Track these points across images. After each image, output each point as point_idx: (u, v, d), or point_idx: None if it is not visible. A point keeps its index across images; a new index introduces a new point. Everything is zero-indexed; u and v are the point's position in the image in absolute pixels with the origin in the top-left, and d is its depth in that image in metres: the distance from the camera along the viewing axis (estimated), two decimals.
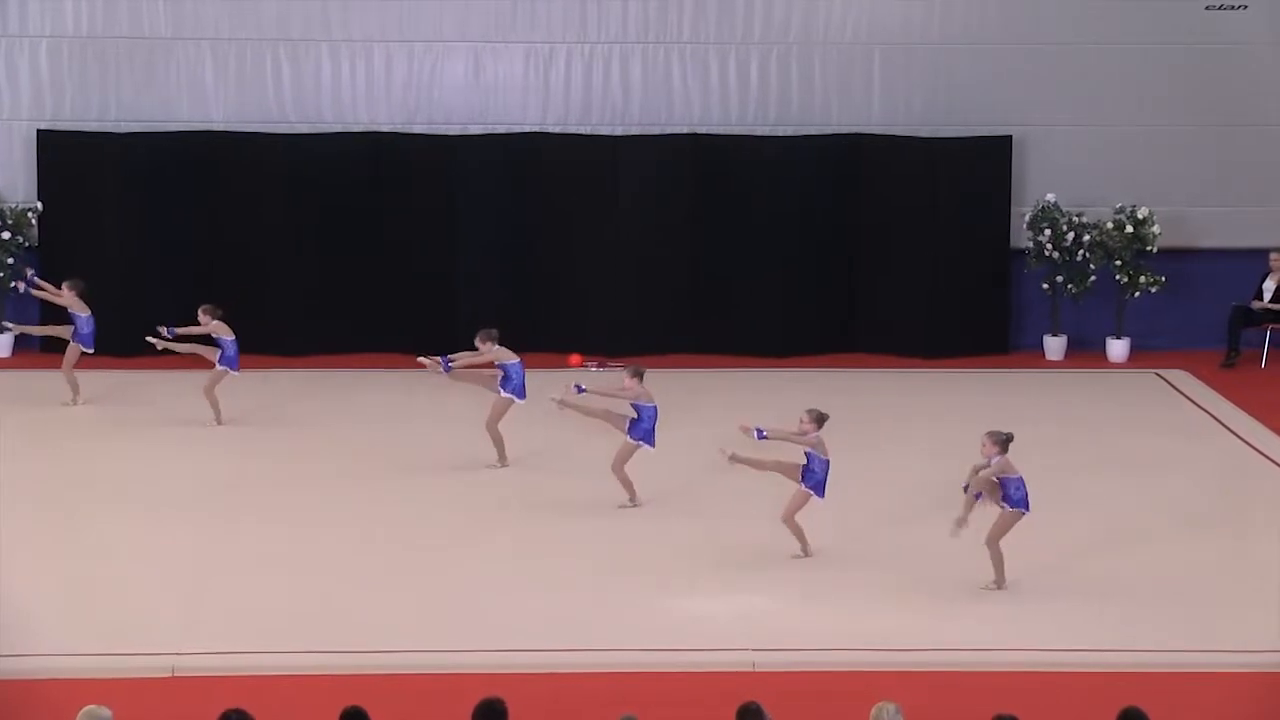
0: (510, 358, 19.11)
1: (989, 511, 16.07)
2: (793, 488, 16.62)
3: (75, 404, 21.53)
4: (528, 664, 14.36)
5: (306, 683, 14.02)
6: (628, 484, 18.09)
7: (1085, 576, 16.44)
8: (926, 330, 24.52)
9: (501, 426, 19.18)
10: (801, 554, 16.69)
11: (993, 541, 15.99)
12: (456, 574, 16.38)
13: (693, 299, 24.59)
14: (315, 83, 24.46)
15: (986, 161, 24.47)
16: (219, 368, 20.76)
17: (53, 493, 18.44)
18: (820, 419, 16.62)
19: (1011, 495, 15.93)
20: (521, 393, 19.10)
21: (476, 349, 19.23)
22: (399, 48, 24.49)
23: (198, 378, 21.15)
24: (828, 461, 16.56)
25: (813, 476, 16.56)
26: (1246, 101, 24.88)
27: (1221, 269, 24.84)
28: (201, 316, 20.81)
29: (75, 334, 21.57)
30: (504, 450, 19.24)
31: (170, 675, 14.16)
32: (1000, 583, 16.03)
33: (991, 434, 16.07)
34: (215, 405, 20.81)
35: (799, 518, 16.67)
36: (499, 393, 19.12)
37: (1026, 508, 15.92)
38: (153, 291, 23.89)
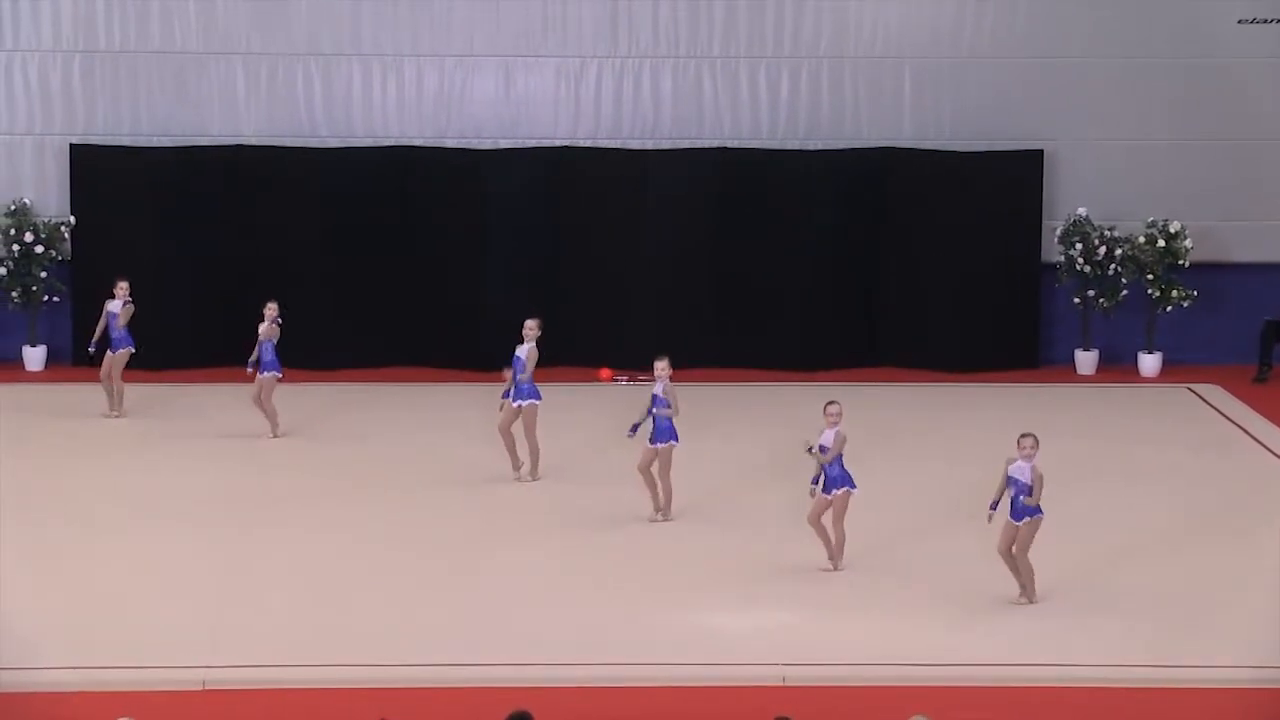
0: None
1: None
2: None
3: (117, 415, 21.54)
4: (557, 678, 14.35)
5: (337, 696, 14.04)
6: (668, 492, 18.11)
7: (1119, 591, 16.38)
8: (956, 345, 24.47)
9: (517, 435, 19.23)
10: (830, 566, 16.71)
11: (1022, 553, 15.98)
12: (485, 587, 16.39)
13: (722, 313, 24.58)
14: (346, 97, 24.53)
15: (1017, 176, 24.44)
16: (269, 375, 20.75)
17: (84, 505, 18.49)
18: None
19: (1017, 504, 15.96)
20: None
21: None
22: (429, 62, 24.54)
23: (227, 391, 21.18)
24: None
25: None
26: (1278, 115, 24.80)
27: (1253, 283, 24.77)
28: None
29: (115, 345, 21.50)
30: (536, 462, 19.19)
31: (201, 689, 14.18)
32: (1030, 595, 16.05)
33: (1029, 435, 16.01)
34: (274, 416, 20.86)
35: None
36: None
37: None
38: (184, 304, 23.97)
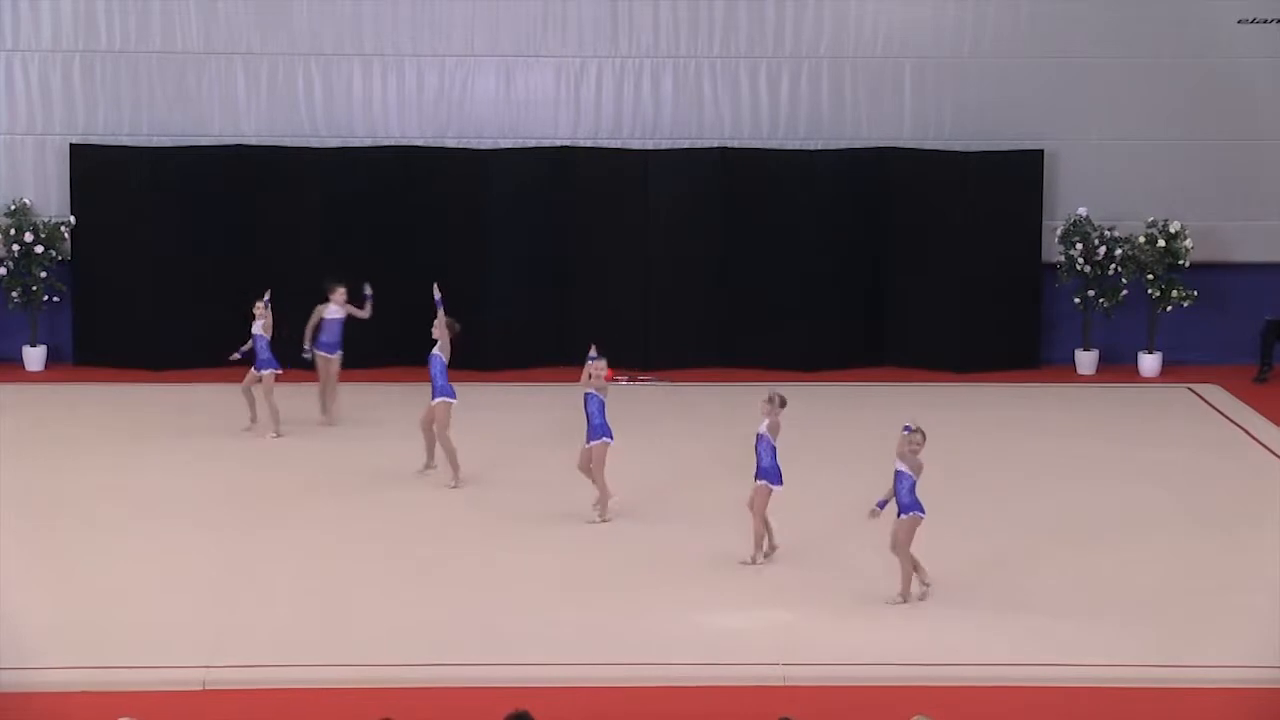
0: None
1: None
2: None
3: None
4: (556, 678, 14.35)
5: (337, 696, 14.04)
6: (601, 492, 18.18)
7: (1119, 591, 16.37)
8: (957, 345, 24.47)
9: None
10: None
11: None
12: (484, 587, 16.38)
13: (722, 313, 24.59)
14: (346, 97, 24.53)
15: (1017, 175, 24.43)
16: (269, 372, 20.76)
17: (84, 505, 18.49)
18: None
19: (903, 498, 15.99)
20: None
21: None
22: (430, 62, 24.55)
23: (227, 390, 21.17)
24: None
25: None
26: (1278, 115, 24.80)
27: (1254, 283, 24.77)
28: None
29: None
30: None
31: (202, 689, 14.19)
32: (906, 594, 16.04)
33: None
34: (276, 414, 20.87)
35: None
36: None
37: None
38: (184, 304, 23.97)
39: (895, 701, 13.62)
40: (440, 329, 19.05)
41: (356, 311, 21.41)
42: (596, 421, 17.90)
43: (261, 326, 20.75)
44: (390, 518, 18.30)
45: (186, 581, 16.38)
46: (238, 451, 20.41)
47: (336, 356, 21.39)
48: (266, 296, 20.93)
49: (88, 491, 18.96)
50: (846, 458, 19.94)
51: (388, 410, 22.08)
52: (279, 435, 20.78)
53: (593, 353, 18.05)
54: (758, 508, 16.85)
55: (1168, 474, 19.97)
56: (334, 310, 21.36)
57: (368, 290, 21.46)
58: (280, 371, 20.80)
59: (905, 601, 15.91)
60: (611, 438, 17.95)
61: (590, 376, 17.96)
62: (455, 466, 19.05)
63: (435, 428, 19.06)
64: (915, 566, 16.06)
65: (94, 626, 15.29)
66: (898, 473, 15.97)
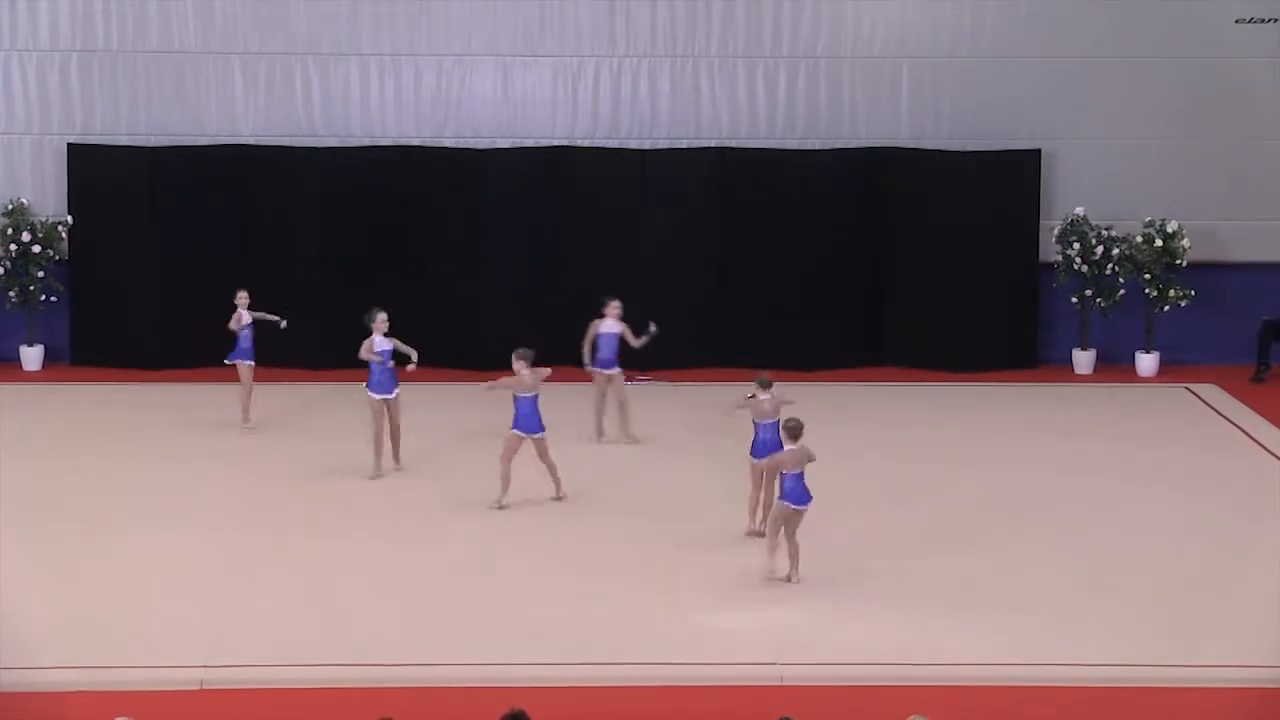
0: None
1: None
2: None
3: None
4: (553, 678, 14.34)
5: (335, 696, 14.03)
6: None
7: (1118, 591, 16.37)
8: (955, 344, 24.47)
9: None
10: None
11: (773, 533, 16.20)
12: (481, 587, 16.38)
13: (720, 312, 24.59)
14: (344, 96, 24.53)
15: (1015, 175, 24.44)
16: (249, 364, 20.89)
17: (82, 505, 18.48)
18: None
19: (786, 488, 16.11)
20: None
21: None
22: (428, 62, 24.54)
23: (227, 390, 21.17)
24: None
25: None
26: (1276, 115, 24.81)
27: (1251, 283, 24.79)
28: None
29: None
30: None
31: (200, 688, 14.18)
32: (784, 573, 16.23)
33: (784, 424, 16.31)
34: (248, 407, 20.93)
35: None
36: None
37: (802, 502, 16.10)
38: (181, 304, 23.96)
39: (895, 701, 13.61)
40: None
41: (631, 337, 20.92)
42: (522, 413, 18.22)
43: (243, 319, 20.83)
44: (389, 518, 18.28)
45: (185, 581, 16.37)
46: (237, 451, 20.40)
47: (615, 372, 20.83)
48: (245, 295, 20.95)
49: (86, 491, 18.95)
50: (846, 458, 19.92)
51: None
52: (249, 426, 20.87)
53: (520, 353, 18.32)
54: (756, 479, 17.28)
55: (1166, 474, 19.97)
56: (610, 325, 20.90)
57: (653, 328, 20.95)
58: (253, 364, 20.89)
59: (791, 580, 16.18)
60: (521, 430, 18.22)
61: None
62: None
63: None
64: (776, 551, 16.24)
65: (93, 626, 15.28)
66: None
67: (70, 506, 18.41)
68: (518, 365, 18.36)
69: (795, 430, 16.23)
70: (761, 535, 16.91)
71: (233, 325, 20.92)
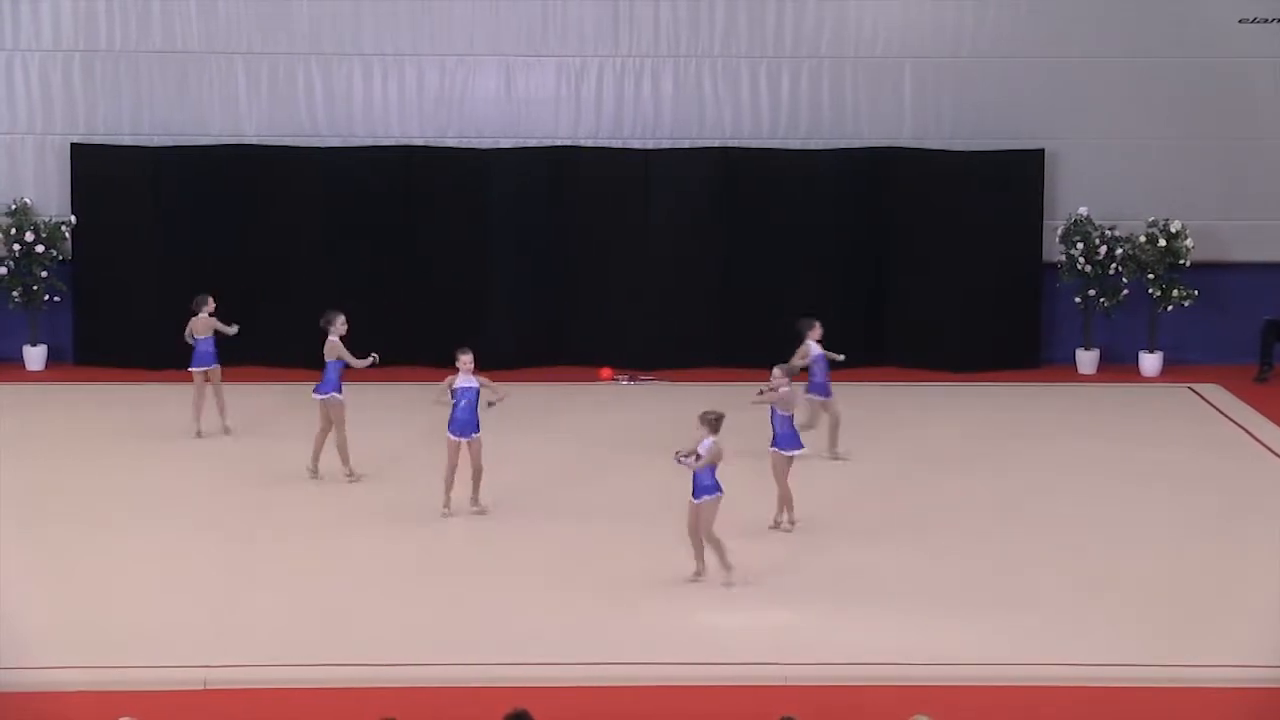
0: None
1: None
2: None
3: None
4: (556, 677, 14.35)
5: (338, 696, 14.04)
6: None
7: (1119, 591, 16.37)
8: (958, 344, 24.46)
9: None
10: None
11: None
12: (482, 587, 16.38)
13: (724, 312, 24.58)
14: (347, 96, 24.53)
15: (1018, 175, 24.43)
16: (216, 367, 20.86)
17: (84, 505, 18.50)
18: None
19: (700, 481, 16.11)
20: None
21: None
22: (431, 61, 24.54)
23: (226, 390, 21.17)
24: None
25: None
26: (1278, 115, 24.79)
27: (1254, 283, 24.77)
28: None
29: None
30: None
31: (203, 688, 14.19)
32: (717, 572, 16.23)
33: (702, 415, 16.26)
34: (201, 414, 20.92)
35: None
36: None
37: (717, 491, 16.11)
38: (184, 304, 23.89)
39: (895, 701, 13.62)
40: None
41: (798, 359, 20.45)
42: (465, 418, 18.16)
43: (206, 324, 20.75)
44: (389, 518, 18.28)
45: (187, 581, 16.39)
46: (238, 452, 20.40)
47: (830, 399, 20.43)
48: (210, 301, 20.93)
49: (88, 491, 18.96)
50: (847, 457, 19.93)
51: (385, 411, 22.04)
52: (201, 435, 20.84)
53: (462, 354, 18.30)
54: (779, 474, 17.52)
55: (1168, 474, 19.96)
56: (815, 348, 20.45)
57: (841, 358, 20.63)
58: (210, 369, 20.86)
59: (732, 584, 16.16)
60: (455, 434, 18.12)
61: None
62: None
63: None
64: (719, 548, 16.26)
65: (94, 626, 15.29)
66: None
67: (71, 506, 18.42)
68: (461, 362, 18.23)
69: (714, 423, 16.29)
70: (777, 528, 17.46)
71: (197, 334, 20.79)
